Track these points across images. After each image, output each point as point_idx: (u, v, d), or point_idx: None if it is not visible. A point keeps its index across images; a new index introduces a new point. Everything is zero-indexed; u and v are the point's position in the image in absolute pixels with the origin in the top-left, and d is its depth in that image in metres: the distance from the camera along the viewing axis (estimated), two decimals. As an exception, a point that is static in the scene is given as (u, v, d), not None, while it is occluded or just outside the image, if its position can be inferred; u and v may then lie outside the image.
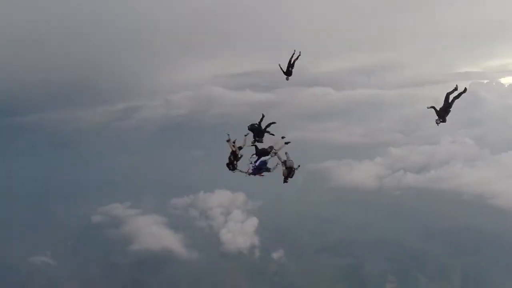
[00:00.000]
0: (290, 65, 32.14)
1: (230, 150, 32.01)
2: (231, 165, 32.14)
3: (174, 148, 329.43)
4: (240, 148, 32.12)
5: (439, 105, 25.14)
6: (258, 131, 30.16)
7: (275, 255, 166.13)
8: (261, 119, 30.12)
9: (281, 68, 32.00)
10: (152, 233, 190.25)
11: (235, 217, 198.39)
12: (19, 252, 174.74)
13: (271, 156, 30.99)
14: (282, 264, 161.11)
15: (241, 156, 32.47)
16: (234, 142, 32.38)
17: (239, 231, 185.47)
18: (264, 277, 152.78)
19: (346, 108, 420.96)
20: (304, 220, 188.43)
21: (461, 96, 25.28)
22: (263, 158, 30.98)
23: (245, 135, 31.75)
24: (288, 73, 32.18)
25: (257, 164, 30.59)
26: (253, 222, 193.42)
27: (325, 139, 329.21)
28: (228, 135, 31.34)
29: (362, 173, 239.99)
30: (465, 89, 25.53)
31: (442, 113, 26.61)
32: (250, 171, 31.13)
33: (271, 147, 31.64)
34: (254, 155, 30.86)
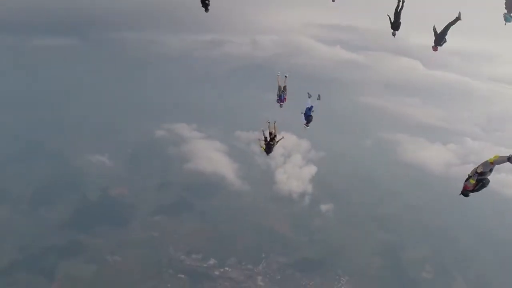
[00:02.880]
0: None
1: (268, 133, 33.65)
2: (268, 147, 33.84)
3: (251, 86, 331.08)
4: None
5: None
6: None
7: (324, 208, 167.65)
8: None
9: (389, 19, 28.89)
10: (210, 157, 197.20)
11: (294, 161, 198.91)
12: (79, 149, 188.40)
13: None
14: (328, 218, 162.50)
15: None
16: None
17: (295, 175, 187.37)
18: (306, 229, 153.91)
19: (430, 87, 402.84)
20: (362, 183, 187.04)
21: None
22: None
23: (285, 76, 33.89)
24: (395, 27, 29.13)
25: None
26: (311, 170, 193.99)
27: (401, 112, 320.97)
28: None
29: (432, 155, 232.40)
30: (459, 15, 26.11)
31: (439, 39, 27.47)
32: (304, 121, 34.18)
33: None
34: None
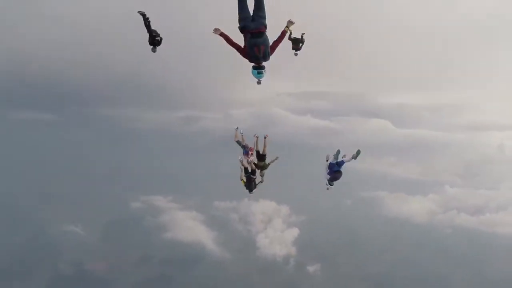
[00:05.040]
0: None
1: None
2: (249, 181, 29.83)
3: (227, 158, 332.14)
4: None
5: None
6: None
7: (311, 269, 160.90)
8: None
9: None
10: (188, 226, 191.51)
11: (275, 225, 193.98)
12: (53, 218, 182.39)
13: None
14: (316, 279, 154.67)
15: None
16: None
17: (277, 239, 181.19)
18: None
19: (405, 145, 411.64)
20: (348, 242, 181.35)
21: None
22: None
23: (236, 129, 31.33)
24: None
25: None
26: (293, 232, 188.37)
27: (379, 171, 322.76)
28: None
29: (414, 207, 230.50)
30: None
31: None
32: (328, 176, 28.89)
33: None
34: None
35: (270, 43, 17.39)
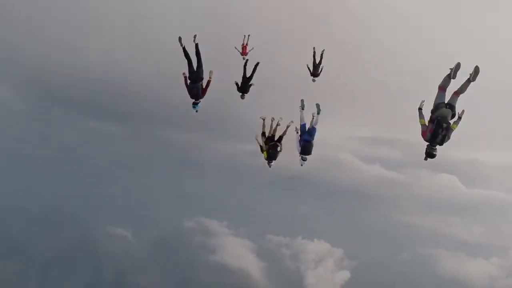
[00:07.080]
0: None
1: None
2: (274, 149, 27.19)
3: (287, 197, 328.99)
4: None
5: None
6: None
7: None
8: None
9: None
10: (238, 253, 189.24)
11: (326, 266, 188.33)
12: (100, 220, 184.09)
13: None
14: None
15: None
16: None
17: (326, 279, 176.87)
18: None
19: (471, 204, 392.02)
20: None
21: None
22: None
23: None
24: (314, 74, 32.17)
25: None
26: (344, 275, 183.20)
27: (441, 230, 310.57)
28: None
29: (474, 270, 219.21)
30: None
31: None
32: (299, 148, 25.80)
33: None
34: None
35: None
